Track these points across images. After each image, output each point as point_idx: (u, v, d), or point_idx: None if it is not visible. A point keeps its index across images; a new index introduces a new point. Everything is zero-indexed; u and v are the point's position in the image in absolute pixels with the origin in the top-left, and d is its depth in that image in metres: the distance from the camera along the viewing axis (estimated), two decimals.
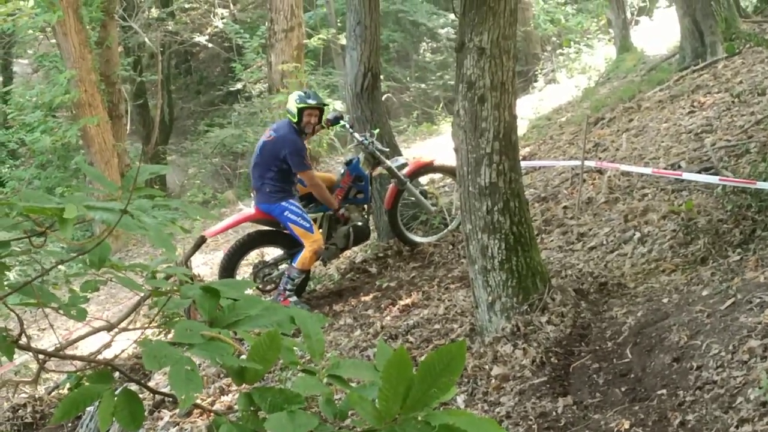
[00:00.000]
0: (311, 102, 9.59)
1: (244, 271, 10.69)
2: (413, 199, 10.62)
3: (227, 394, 7.52)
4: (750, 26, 15.44)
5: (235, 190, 23.27)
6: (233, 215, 10.81)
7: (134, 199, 2.06)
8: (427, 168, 10.87)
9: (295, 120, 9.53)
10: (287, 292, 9.66)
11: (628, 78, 18.96)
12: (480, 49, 6.75)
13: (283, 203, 9.49)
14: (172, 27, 29.22)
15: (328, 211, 9.97)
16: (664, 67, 16.98)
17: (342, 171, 10.15)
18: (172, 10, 29.21)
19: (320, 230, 9.84)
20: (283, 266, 9.95)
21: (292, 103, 9.59)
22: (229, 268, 9.67)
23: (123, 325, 2.49)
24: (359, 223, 10.12)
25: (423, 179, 11.96)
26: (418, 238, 10.76)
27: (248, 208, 13.01)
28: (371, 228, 10.62)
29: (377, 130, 10.43)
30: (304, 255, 9.58)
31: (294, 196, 9.65)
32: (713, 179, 8.77)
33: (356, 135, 10.21)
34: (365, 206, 10.27)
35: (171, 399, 2.41)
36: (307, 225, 9.55)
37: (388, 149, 10.56)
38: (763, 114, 10.29)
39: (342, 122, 10.37)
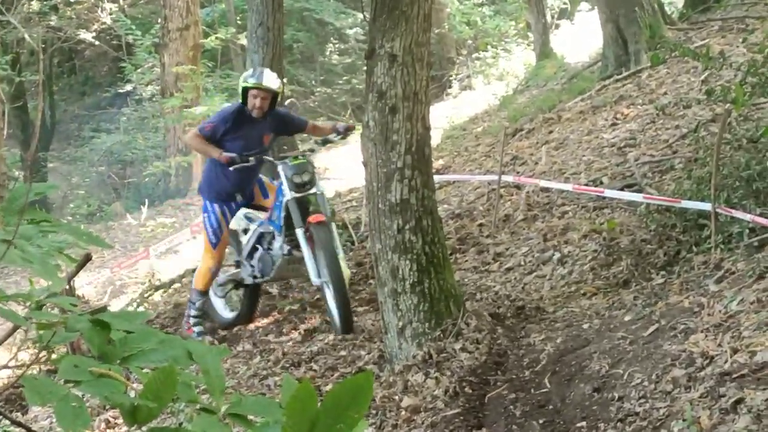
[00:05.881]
0: (253, 81, 8.98)
1: None
2: None
3: (113, 428, 7.41)
4: (675, 34, 15.74)
5: (124, 202, 22.98)
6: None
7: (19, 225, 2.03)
8: None
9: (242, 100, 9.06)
10: (191, 320, 9.38)
11: (548, 86, 19.21)
12: (391, 57, 6.77)
13: (208, 203, 9.16)
14: (55, 22, 28.85)
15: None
16: (585, 76, 17.24)
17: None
18: (55, 4, 28.77)
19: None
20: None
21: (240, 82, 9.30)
22: None
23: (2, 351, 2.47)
24: None
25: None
26: None
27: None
28: None
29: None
30: (197, 271, 9.40)
31: (231, 200, 9.18)
32: (637, 197, 8.91)
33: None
34: None
35: None
36: (214, 239, 9.13)
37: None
38: (688, 128, 10.47)
39: None
